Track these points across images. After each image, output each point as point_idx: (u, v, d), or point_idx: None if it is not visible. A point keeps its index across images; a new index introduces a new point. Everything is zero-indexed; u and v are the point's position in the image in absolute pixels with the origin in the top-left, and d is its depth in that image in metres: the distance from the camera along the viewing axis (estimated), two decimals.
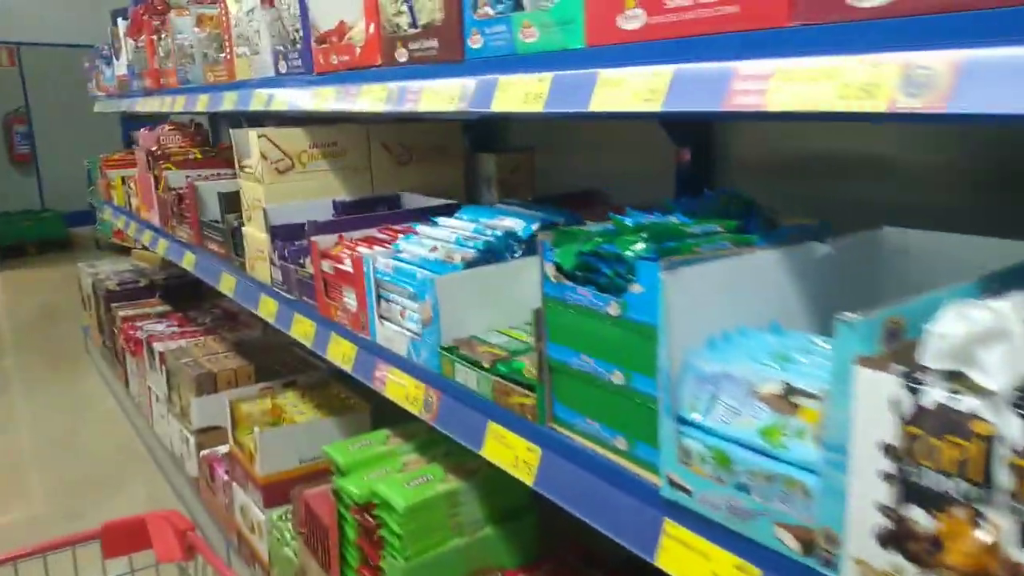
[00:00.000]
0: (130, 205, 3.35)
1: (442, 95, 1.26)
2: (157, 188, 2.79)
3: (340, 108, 1.58)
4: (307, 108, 1.72)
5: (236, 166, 2.02)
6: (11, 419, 3.70)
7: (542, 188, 2.19)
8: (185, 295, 3.79)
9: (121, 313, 3.50)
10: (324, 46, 1.65)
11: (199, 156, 2.82)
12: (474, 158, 2.19)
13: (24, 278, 6.97)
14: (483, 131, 2.25)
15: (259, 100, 1.98)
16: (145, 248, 3.54)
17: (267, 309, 1.90)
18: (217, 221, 2.30)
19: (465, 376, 1.17)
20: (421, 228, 1.46)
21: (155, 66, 2.98)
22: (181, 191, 2.53)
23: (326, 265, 1.56)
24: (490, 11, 1.14)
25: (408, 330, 1.33)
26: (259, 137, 1.81)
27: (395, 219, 1.71)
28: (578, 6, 0.99)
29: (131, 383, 3.43)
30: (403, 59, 1.38)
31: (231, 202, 2.16)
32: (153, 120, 4.30)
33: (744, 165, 1.66)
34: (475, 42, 1.19)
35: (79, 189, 7.94)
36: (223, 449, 2.33)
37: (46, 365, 4.42)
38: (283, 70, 1.87)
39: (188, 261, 2.51)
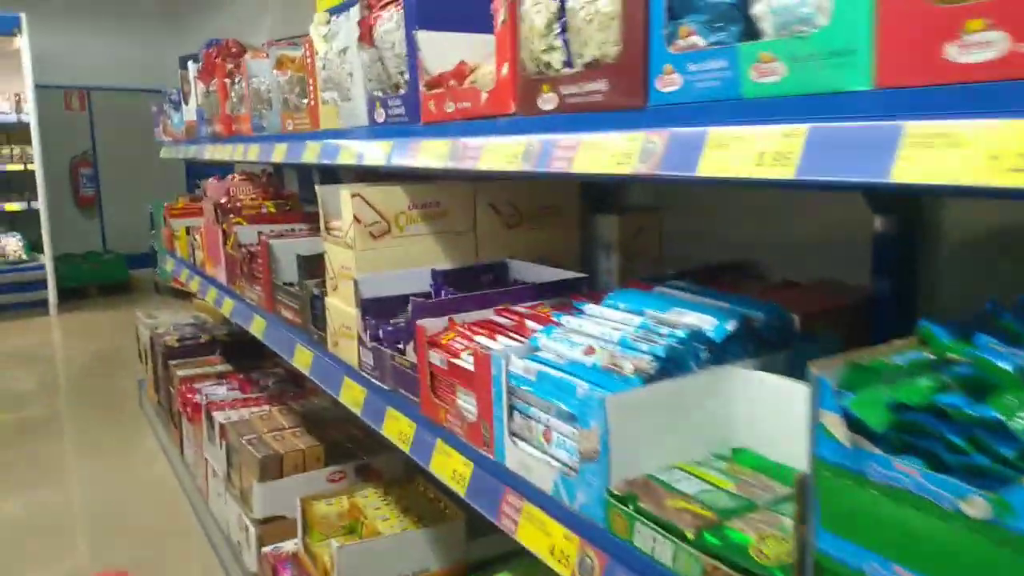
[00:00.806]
0: (194, 258, 3.14)
1: (609, 152, 0.96)
2: (226, 243, 2.56)
3: (456, 167, 1.30)
4: (411, 165, 1.44)
5: (321, 227, 1.75)
6: (58, 474, 3.49)
7: (668, 255, 1.88)
8: (247, 352, 3.56)
9: (180, 373, 3.27)
10: (437, 92, 1.37)
11: (272, 210, 2.59)
12: (591, 219, 1.89)
13: (84, 321, 6.90)
14: (601, 188, 1.95)
15: (349, 153, 1.72)
16: None
17: (351, 396, 1.61)
18: (293, 285, 2.04)
19: (651, 543, 0.84)
20: (565, 319, 1.14)
21: (227, 112, 2.78)
22: (253, 249, 2.28)
23: (436, 357, 1.25)
24: (698, 41, 0.84)
25: (556, 460, 1.02)
26: (352, 196, 1.53)
27: (515, 297, 1.40)
28: (864, 30, 0.68)
29: (186, 450, 3.18)
30: (549, 106, 1.09)
31: (311, 266, 1.89)
32: (220, 167, 4.14)
33: (962, 239, 1.31)
34: (668, 83, 0.88)
35: (141, 232, 7.92)
36: (289, 547, 2.03)
37: (99, 417, 4.23)
38: (380, 119, 1.61)
39: (257, 327, 2.25)
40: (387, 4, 1.50)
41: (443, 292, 1.62)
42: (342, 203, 1.58)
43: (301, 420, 2.53)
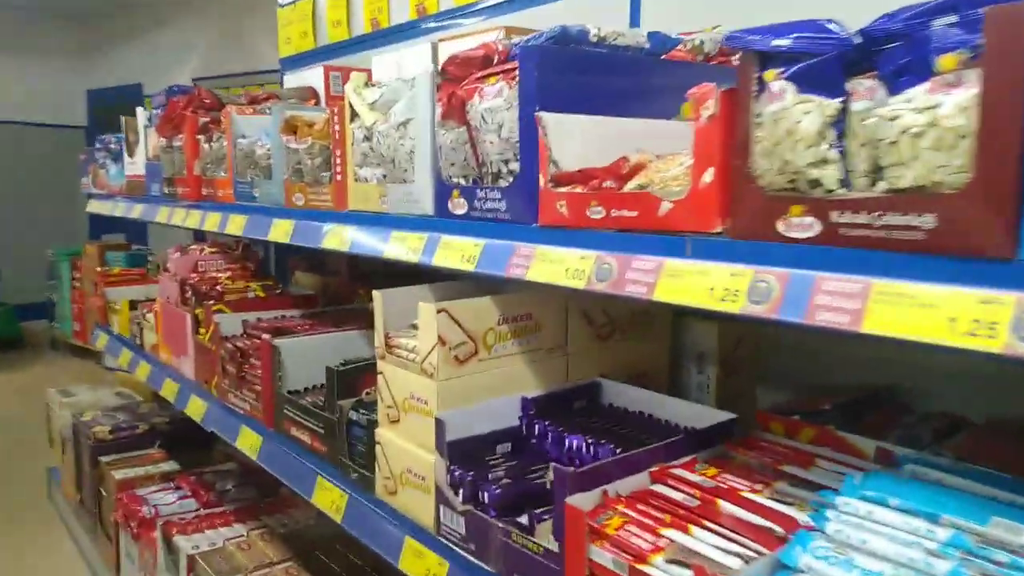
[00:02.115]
0: (141, 340, 2.68)
1: (946, 315, 0.70)
2: (198, 332, 2.14)
3: (605, 290, 1.01)
4: (516, 276, 1.14)
5: (378, 342, 1.41)
6: None
7: (764, 369, 1.63)
8: (191, 441, 3.07)
9: (116, 475, 2.76)
10: (572, 190, 1.08)
11: (260, 294, 2.20)
12: (682, 325, 1.62)
13: None
14: None
15: (409, 245, 1.40)
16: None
17: (423, 568, 1.26)
18: (300, 394, 1.67)
19: None
20: (832, 527, 0.85)
21: (196, 172, 2.38)
22: (242, 345, 1.89)
23: (605, 556, 0.94)
24: None
25: None
26: (438, 313, 1.21)
27: (668, 453, 1.11)
28: None
29: (129, 573, 2.67)
30: (801, 233, 0.82)
31: (347, 383, 1.54)
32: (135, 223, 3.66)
33: None
34: None
35: (36, 281, 7.16)
36: None
37: None
38: (458, 211, 1.30)
39: (249, 444, 1.85)
40: (489, 76, 1.20)
41: (536, 425, 1.31)
42: (422, 320, 1.25)
43: (288, 547, 2.12)
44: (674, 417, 1.32)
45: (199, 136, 2.34)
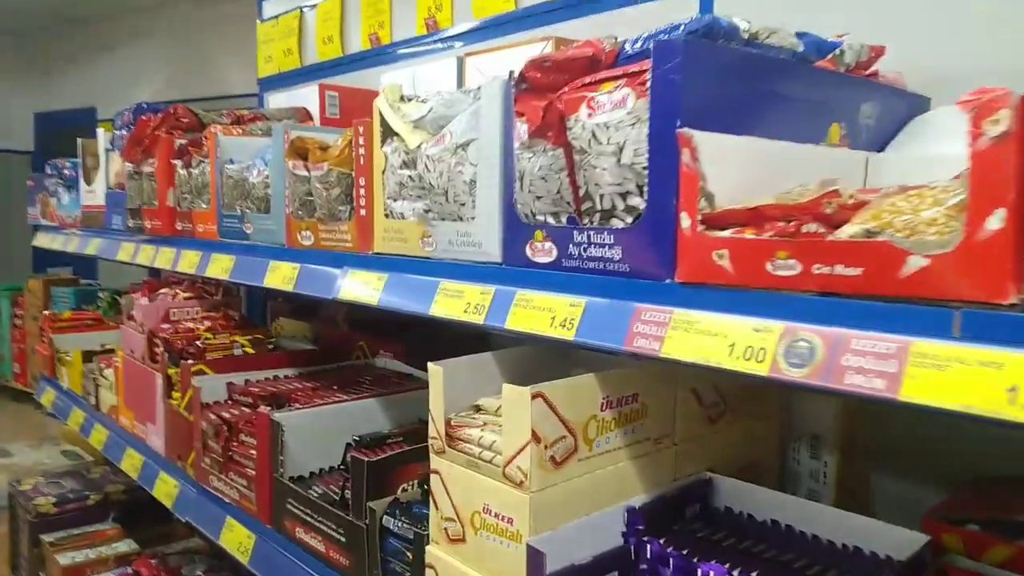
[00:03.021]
0: (96, 399, 2.29)
1: None
2: (171, 397, 1.78)
3: (811, 382, 0.71)
4: (651, 352, 0.84)
5: (436, 432, 1.08)
6: None
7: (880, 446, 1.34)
8: (150, 513, 2.66)
9: (61, 560, 2.35)
10: (734, 236, 0.78)
11: (249, 350, 1.85)
12: (790, 401, 1.33)
13: None
14: None
15: (468, 301, 1.09)
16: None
17: None
18: (302, 482, 1.33)
19: None
20: None
21: (169, 203, 2.03)
22: (232, 419, 1.54)
23: None
24: None
25: None
26: (534, 399, 0.89)
27: None
28: None
29: None
30: None
31: (377, 476, 1.20)
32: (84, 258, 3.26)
33: None
34: None
35: None
36: None
37: None
38: (545, 258, 1.00)
39: (237, 542, 1.50)
40: (603, 81, 0.90)
41: (649, 546, 0.99)
42: (510, 408, 0.93)
43: None
44: (826, 531, 1.02)
45: (175, 161, 1.99)
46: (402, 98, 1.30)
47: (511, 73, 1.05)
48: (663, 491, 1.08)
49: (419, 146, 1.19)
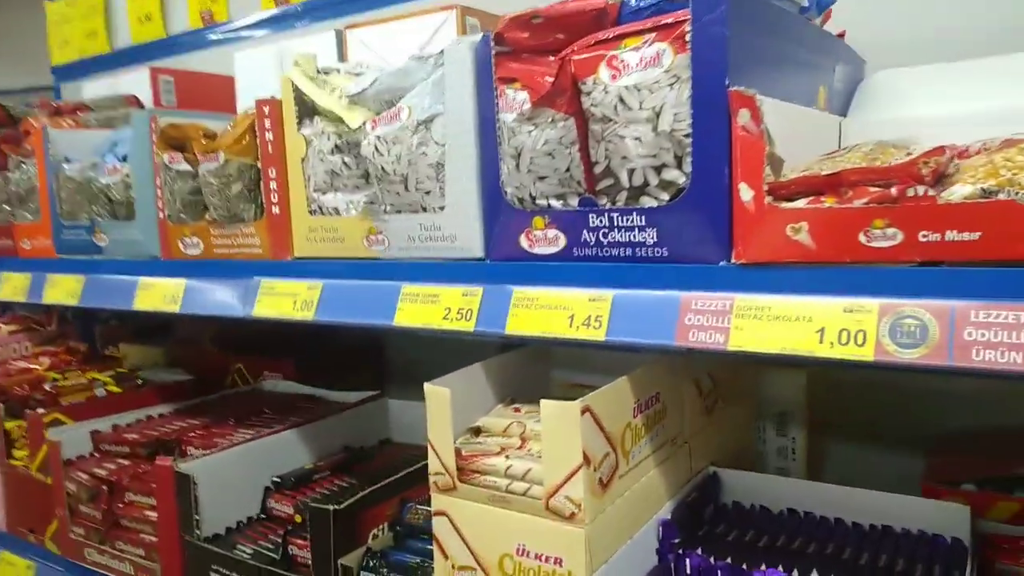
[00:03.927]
0: None
1: None
2: (11, 456, 1.44)
3: (937, 363, 0.66)
4: (733, 346, 0.75)
5: (441, 466, 0.90)
6: None
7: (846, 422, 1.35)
8: None
9: None
10: (812, 206, 0.71)
11: (113, 388, 1.53)
12: (758, 379, 1.29)
13: None
14: None
15: (446, 306, 0.94)
16: None
17: None
18: (231, 539, 1.10)
19: None
20: None
21: None
22: (112, 476, 1.26)
23: None
24: None
25: None
26: (583, 414, 0.76)
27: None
28: None
29: None
30: None
31: (347, 529, 1.01)
32: None
33: None
34: None
35: None
36: None
37: None
38: (542, 247, 0.87)
39: None
40: (628, 36, 0.78)
41: (688, 561, 0.90)
42: (555, 429, 0.79)
43: None
44: (852, 513, 0.98)
45: None
46: (320, 71, 1.10)
47: (486, 35, 0.90)
48: (685, 496, 0.99)
49: (361, 126, 1.00)
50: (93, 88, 2.32)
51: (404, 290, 1.00)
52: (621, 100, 0.79)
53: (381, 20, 1.52)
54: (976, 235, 0.64)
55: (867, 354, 0.68)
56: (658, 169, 0.80)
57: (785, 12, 0.88)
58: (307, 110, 1.10)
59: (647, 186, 0.81)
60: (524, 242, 0.90)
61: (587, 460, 0.78)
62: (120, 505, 1.26)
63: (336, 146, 1.06)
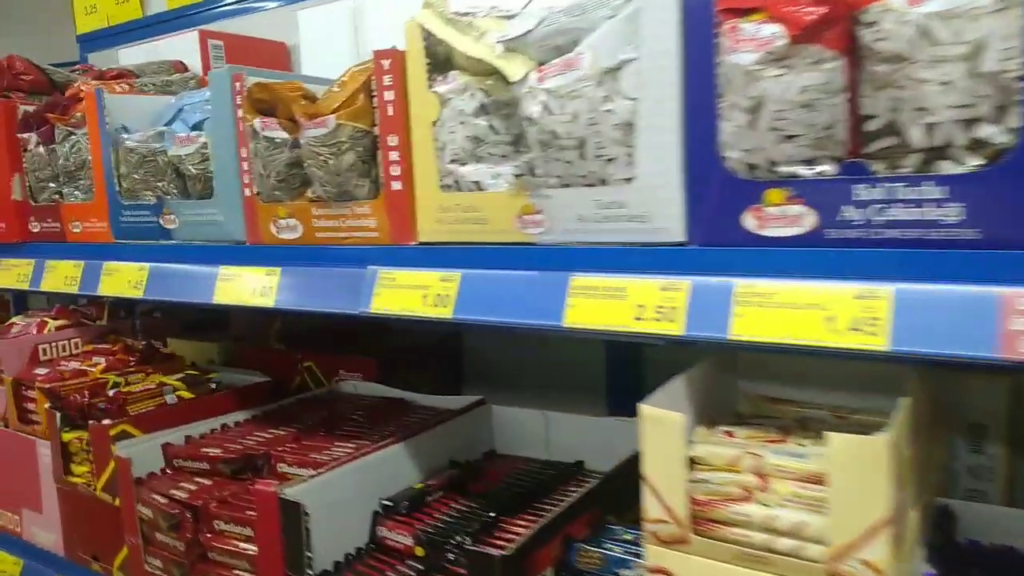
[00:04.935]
0: None
1: None
2: (70, 473, 1.28)
3: None
4: None
5: (669, 520, 0.72)
6: None
7: None
8: None
9: None
10: None
11: (184, 393, 1.36)
12: (944, 385, 1.11)
13: None
14: None
15: (633, 301, 0.77)
16: None
17: None
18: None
19: None
20: None
21: (16, 197, 1.49)
22: (197, 499, 1.10)
23: None
24: None
25: None
26: (890, 451, 0.59)
27: None
28: None
29: None
30: None
31: (512, 572, 0.84)
32: None
33: None
34: None
35: None
36: None
37: None
38: (777, 228, 0.70)
39: None
40: None
41: None
42: (848, 469, 0.61)
43: None
44: None
45: (24, 135, 1.44)
46: (460, 12, 0.92)
47: None
48: (924, 539, 0.81)
49: (524, 79, 0.82)
50: (129, 56, 2.15)
51: (574, 282, 0.83)
52: (924, 32, 0.60)
53: None
54: None
55: None
56: (968, 123, 0.61)
57: None
58: (439, 63, 0.92)
59: (949, 147, 0.63)
60: (750, 222, 0.73)
61: (890, 515, 0.60)
62: (208, 535, 1.10)
63: (482, 105, 0.88)
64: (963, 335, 0.61)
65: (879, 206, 0.66)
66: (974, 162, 0.62)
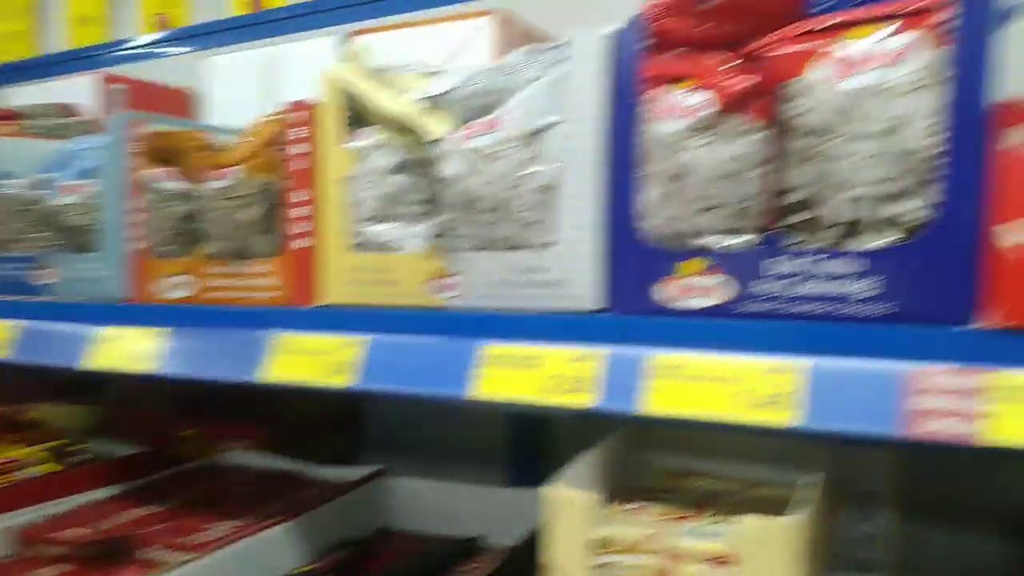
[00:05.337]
0: None
1: None
2: None
3: None
4: None
5: None
6: None
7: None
8: None
9: None
10: None
11: (52, 466, 1.22)
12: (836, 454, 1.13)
13: None
14: None
15: (548, 371, 0.75)
16: None
17: None
18: None
19: None
20: None
21: None
22: None
23: None
24: None
25: None
26: (801, 534, 0.57)
27: None
28: None
29: None
30: None
31: None
32: None
33: None
34: None
35: None
36: None
37: None
38: (696, 299, 0.70)
39: None
40: (854, 25, 0.62)
41: None
42: (762, 554, 0.59)
43: None
44: None
45: None
46: (380, 68, 0.90)
47: (629, 23, 0.72)
48: None
49: (444, 136, 0.80)
50: (19, 96, 2.03)
51: (486, 351, 0.79)
52: (846, 108, 0.62)
53: (390, 27, 1.34)
54: None
55: None
56: (888, 198, 0.63)
57: None
58: (357, 118, 0.90)
59: (867, 221, 0.64)
60: (667, 292, 0.72)
61: None
62: None
63: (399, 163, 0.85)
64: (872, 412, 0.61)
65: (796, 279, 0.66)
66: (892, 237, 0.63)
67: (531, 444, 1.49)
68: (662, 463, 0.96)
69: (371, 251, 0.88)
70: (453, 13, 1.27)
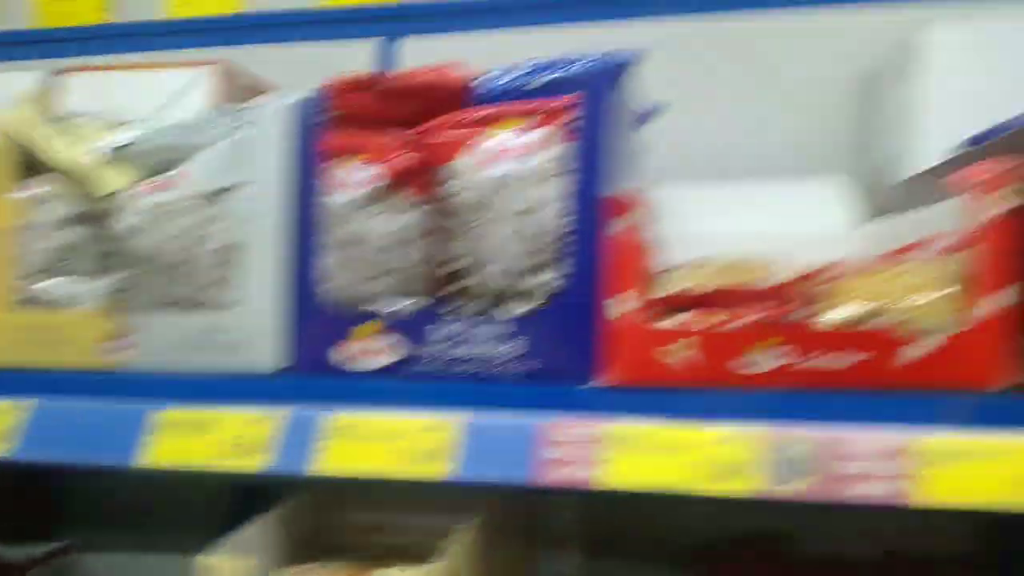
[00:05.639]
0: None
1: None
2: None
3: (814, 496, 0.66)
4: (613, 483, 0.68)
5: None
6: None
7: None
8: None
9: None
10: (704, 323, 0.69)
11: None
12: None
13: None
14: None
15: (222, 433, 0.76)
16: None
17: None
18: None
19: None
20: None
21: None
22: None
23: None
24: None
25: None
26: None
27: None
28: None
29: None
30: None
31: None
32: None
33: None
34: None
35: None
36: None
37: None
38: (368, 359, 0.76)
39: None
40: (502, 118, 0.72)
41: None
42: None
43: None
44: None
45: None
46: (55, 119, 0.86)
47: (313, 94, 0.77)
48: None
49: (119, 190, 0.79)
50: None
51: (162, 415, 0.77)
52: (489, 191, 0.70)
53: (106, 68, 1.28)
54: (854, 360, 0.65)
55: (751, 486, 0.64)
56: (526, 272, 0.72)
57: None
58: (31, 166, 0.85)
59: (511, 290, 0.72)
60: (342, 353, 0.75)
61: None
62: None
63: (72, 215, 0.82)
64: (507, 462, 0.68)
65: (455, 341, 0.73)
66: (532, 305, 0.72)
67: (251, 510, 1.44)
68: (358, 519, 0.98)
69: (39, 308, 0.83)
70: (176, 61, 1.24)
